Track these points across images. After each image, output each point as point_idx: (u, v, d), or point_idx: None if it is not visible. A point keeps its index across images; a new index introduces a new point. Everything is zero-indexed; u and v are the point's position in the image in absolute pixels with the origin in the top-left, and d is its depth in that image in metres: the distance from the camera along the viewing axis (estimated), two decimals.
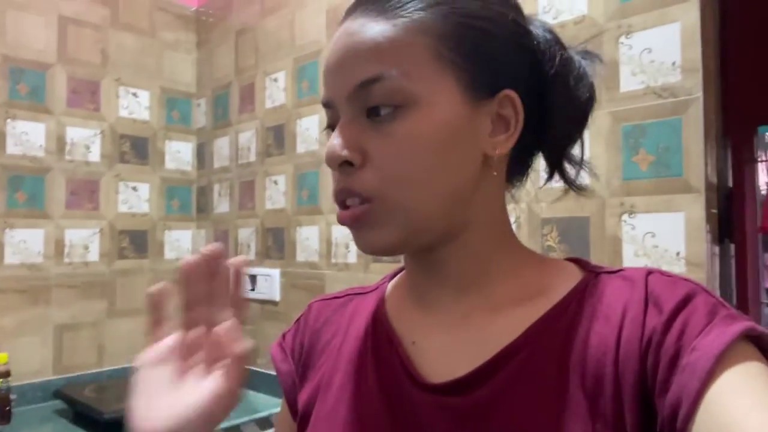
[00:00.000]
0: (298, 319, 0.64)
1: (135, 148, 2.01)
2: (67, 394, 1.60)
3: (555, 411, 0.43)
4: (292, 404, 0.60)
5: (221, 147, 2.06)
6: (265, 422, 1.61)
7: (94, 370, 1.86)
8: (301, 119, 1.74)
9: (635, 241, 1.04)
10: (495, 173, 0.48)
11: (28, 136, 1.75)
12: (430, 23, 0.45)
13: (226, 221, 2.02)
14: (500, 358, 0.45)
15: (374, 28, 0.45)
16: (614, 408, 0.41)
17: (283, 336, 0.64)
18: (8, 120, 1.71)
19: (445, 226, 0.47)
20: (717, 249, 1.01)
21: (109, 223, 1.93)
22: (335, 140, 0.45)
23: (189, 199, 2.16)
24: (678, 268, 0.99)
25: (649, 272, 0.46)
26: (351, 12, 0.48)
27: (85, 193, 1.87)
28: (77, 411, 1.54)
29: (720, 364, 0.38)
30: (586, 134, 1.11)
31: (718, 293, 1.01)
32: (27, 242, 1.74)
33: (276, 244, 1.82)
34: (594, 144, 1.09)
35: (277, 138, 1.83)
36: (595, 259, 1.08)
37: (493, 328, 0.47)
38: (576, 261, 0.52)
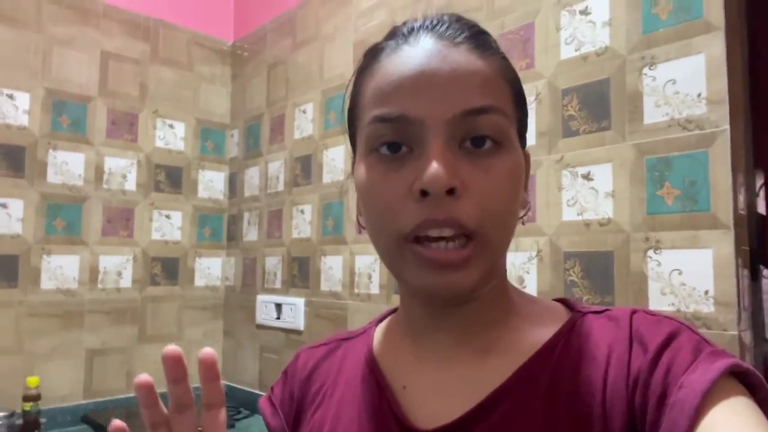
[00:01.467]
0: (285, 370, 0.64)
1: (170, 178, 2.07)
2: (94, 420, 1.63)
3: None
4: None
5: (252, 176, 2.10)
6: None
7: (122, 396, 1.89)
8: (328, 150, 1.76)
9: (661, 278, 1.00)
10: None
11: (68, 165, 1.83)
12: (504, 68, 0.47)
13: (255, 249, 2.05)
14: (489, 402, 0.46)
15: (476, 61, 0.45)
16: None
17: (272, 389, 0.64)
18: (50, 150, 1.79)
19: (493, 268, 0.48)
20: (747, 285, 0.96)
21: (143, 250, 1.98)
22: (439, 165, 0.42)
23: (220, 227, 2.20)
24: (706, 308, 0.94)
25: (634, 311, 0.47)
26: (430, 32, 0.46)
27: (120, 221, 1.94)
28: None
29: (707, 401, 0.38)
30: (610, 166, 1.05)
31: (750, 332, 0.95)
32: (63, 268, 1.80)
33: (301, 273, 1.83)
34: (618, 177, 1.06)
35: (305, 168, 1.85)
36: (620, 296, 1.05)
37: (483, 372, 0.48)
38: (563, 301, 0.53)
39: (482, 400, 0.46)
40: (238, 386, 2.04)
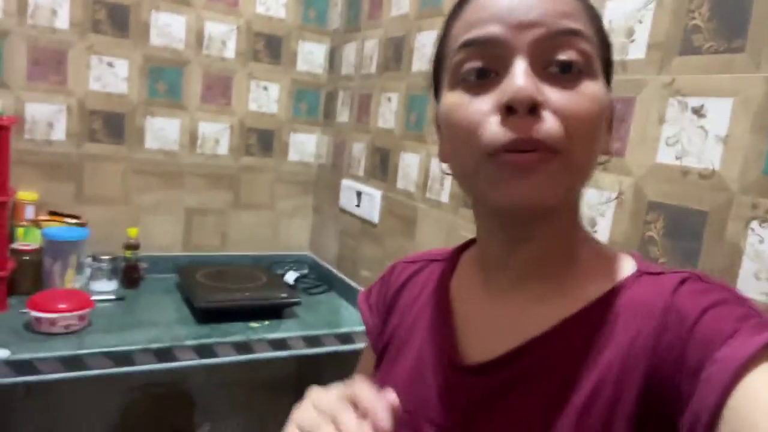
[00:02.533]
0: (382, 276, 0.69)
1: (269, 47, 2.02)
2: (183, 274, 1.80)
3: (551, 408, 0.44)
4: (376, 352, 0.65)
5: (350, 53, 1.98)
6: (346, 337, 1.66)
7: (216, 253, 2.05)
8: (421, 33, 1.57)
9: (760, 259, 0.77)
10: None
11: (170, 28, 1.84)
12: (595, 14, 0.48)
13: (344, 131, 1.99)
14: (522, 349, 0.48)
15: None
16: (603, 419, 0.43)
17: (370, 290, 0.70)
18: (152, 11, 1.80)
19: (577, 192, 0.49)
20: None
21: (239, 120, 2.01)
22: (523, 80, 0.43)
23: (317, 103, 2.15)
24: None
25: (684, 279, 0.45)
26: None
27: (218, 89, 1.96)
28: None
29: (741, 377, 0.36)
30: (730, 102, 0.83)
31: None
32: (165, 130, 1.90)
33: (382, 164, 1.75)
34: (737, 118, 0.80)
35: (397, 51, 1.68)
36: (704, 269, 0.84)
37: (531, 317, 0.49)
38: (634, 256, 0.51)
39: (516, 347, 0.48)
40: (321, 261, 2.11)
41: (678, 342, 0.41)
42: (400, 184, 1.64)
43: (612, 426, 0.42)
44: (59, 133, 1.75)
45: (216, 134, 1.98)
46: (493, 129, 0.44)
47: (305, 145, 2.16)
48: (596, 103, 0.45)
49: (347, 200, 1.92)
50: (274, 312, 1.66)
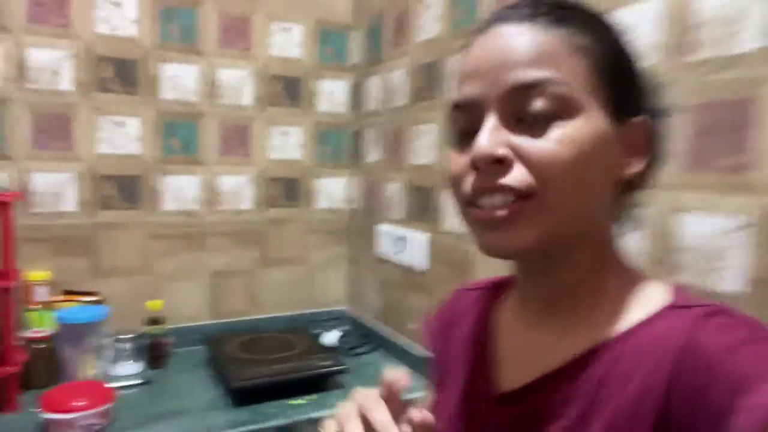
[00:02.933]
0: (444, 302, 0.69)
1: (287, 90, 1.87)
2: (213, 346, 1.61)
3: None
4: (432, 379, 0.66)
5: (373, 87, 1.82)
6: None
7: (246, 317, 1.86)
8: (455, 56, 1.40)
9: None
10: (618, 196, 0.49)
11: (181, 80, 1.71)
12: (588, 42, 0.47)
13: (376, 172, 1.82)
14: (540, 381, 0.48)
15: (535, 36, 0.46)
16: None
17: (433, 316, 0.70)
18: (160, 63, 1.68)
19: (569, 235, 0.48)
20: None
21: (261, 170, 1.86)
22: (485, 138, 0.46)
23: (342, 145, 1.99)
24: None
25: (711, 313, 0.42)
26: (503, 18, 0.49)
27: (237, 139, 1.81)
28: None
29: None
30: None
31: None
32: (183, 189, 1.74)
33: (423, 205, 1.56)
34: None
35: (429, 78, 1.52)
36: None
37: (557, 349, 0.49)
38: (677, 286, 0.49)
39: (535, 379, 0.48)
40: (362, 317, 1.91)
41: (699, 384, 0.39)
42: (448, 225, 1.45)
43: None
44: (69, 204, 1.60)
45: (237, 188, 1.83)
46: (467, 182, 0.48)
47: (334, 191, 1.99)
48: (570, 144, 0.44)
49: (386, 247, 1.73)
50: (319, 383, 1.45)
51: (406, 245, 1.63)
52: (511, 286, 0.61)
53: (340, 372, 1.47)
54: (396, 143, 1.69)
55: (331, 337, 1.77)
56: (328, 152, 1.97)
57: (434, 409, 0.59)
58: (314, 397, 1.41)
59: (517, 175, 0.45)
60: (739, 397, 0.36)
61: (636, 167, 0.49)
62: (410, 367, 1.63)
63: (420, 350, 1.60)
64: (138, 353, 1.56)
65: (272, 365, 1.45)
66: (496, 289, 0.63)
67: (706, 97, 0.82)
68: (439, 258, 1.49)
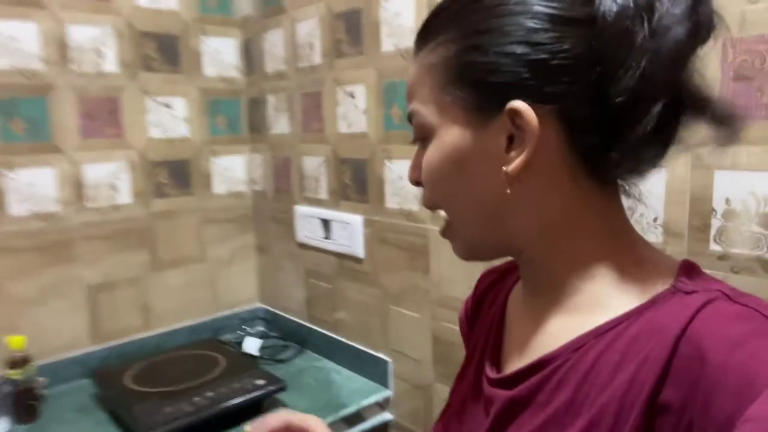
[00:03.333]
0: (475, 286, 0.66)
1: (162, 51, 1.51)
2: (102, 381, 1.27)
3: (557, 425, 0.43)
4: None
5: (274, 43, 1.52)
6: (354, 418, 1.25)
7: (139, 335, 1.52)
8: (387, 0, 1.17)
9: None
10: (545, 185, 0.45)
11: (19, 42, 1.28)
12: (437, 59, 0.46)
13: (287, 146, 1.54)
14: (537, 363, 0.46)
15: (411, 67, 0.49)
16: None
17: (466, 301, 0.67)
18: None
19: (497, 238, 0.48)
20: None
21: (139, 153, 1.49)
22: (411, 164, 0.51)
23: (238, 116, 1.67)
24: None
25: (709, 300, 0.38)
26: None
27: (102, 116, 1.42)
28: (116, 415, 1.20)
29: None
30: None
31: None
32: (35, 185, 1.33)
33: (356, 182, 1.33)
34: None
35: (352, 29, 1.27)
36: None
37: (557, 332, 0.47)
38: (687, 267, 0.43)
39: (532, 361, 0.47)
40: (283, 314, 1.65)
41: (700, 384, 0.35)
42: (392, 202, 1.24)
43: None
44: None
45: (110, 178, 1.45)
46: None
47: (233, 171, 1.68)
48: (427, 168, 0.48)
49: (308, 232, 1.48)
50: (254, 409, 1.19)
51: (334, 229, 1.39)
52: None
53: (278, 391, 1.22)
54: (312, 110, 1.42)
55: (251, 346, 1.50)
56: (221, 125, 1.64)
57: (452, 391, 0.61)
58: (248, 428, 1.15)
59: (424, 194, 0.50)
60: (744, 403, 0.32)
61: (518, 159, 0.42)
62: (343, 363, 1.43)
63: (353, 344, 1.39)
64: (0, 407, 1.17)
65: (191, 397, 1.16)
66: (514, 271, 0.60)
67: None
68: (382, 242, 1.28)
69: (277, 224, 1.62)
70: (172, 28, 1.52)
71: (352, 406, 1.25)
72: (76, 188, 1.39)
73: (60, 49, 1.34)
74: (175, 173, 1.55)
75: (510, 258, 0.53)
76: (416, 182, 0.50)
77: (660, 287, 0.42)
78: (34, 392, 1.23)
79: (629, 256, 0.46)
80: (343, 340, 1.43)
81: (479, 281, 0.66)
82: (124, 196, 1.47)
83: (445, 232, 0.51)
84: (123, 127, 1.45)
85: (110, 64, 1.42)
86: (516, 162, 0.42)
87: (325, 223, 1.42)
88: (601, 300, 0.45)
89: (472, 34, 0.43)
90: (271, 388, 1.21)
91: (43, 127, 1.33)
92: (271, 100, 1.56)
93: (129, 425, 1.11)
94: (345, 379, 1.38)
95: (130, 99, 1.46)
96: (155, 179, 1.52)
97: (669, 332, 0.38)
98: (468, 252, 0.51)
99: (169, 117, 1.53)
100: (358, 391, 1.31)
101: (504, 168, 0.43)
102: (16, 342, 1.20)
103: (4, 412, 1.18)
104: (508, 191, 0.44)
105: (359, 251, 1.33)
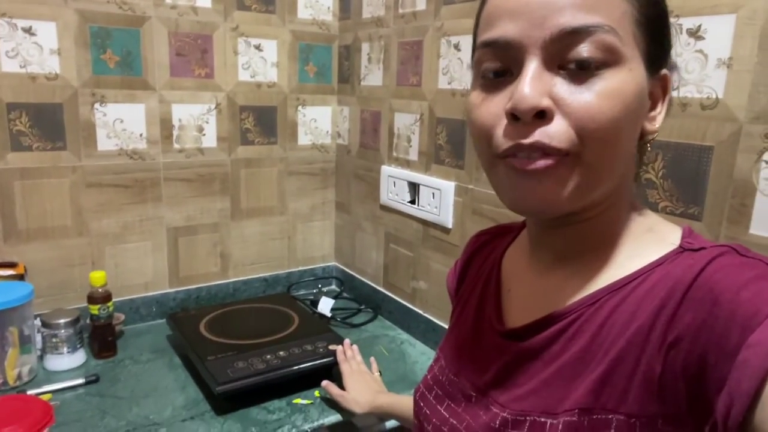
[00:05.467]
0: (465, 248, 0.70)
1: None
2: (178, 324, 1.26)
3: (573, 374, 0.45)
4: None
5: None
6: None
7: (215, 282, 1.50)
8: None
9: None
10: (647, 149, 0.49)
11: None
12: None
13: (379, 99, 1.44)
14: (551, 316, 0.48)
15: None
16: (622, 388, 0.42)
17: (456, 263, 0.71)
18: None
19: (606, 187, 0.46)
20: None
21: (228, 97, 1.44)
22: (528, 87, 0.41)
23: (329, 63, 1.58)
24: None
25: (720, 254, 0.42)
26: None
27: (193, 54, 1.37)
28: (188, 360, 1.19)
29: None
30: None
31: None
32: (124, 122, 1.31)
33: (452, 144, 1.21)
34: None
35: None
36: (712, 211, 0.74)
37: (568, 290, 0.49)
38: (689, 231, 0.48)
39: (547, 314, 0.49)
40: (359, 276, 1.59)
41: (711, 320, 0.38)
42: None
43: (628, 395, 0.42)
44: None
45: (197, 119, 1.40)
46: (499, 134, 0.44)
47: (319, 122, 1.60)
48: (617, 97, 0.42)
49: (393, 195, 1.39)
50: (324, 373, 1.14)
51: (422, 194, 1.29)
52: (520, 231, 0.62)
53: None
54: (410, 61, 1.30)
55: (325, 306, 1.44)
56: (311, 72, 1.56)
57: (443, 344, 0.63)
58: (317, 393, 1.10)
59: (559, 131, 0.42)
60: (747, 333, 0.36)
61: (658, 121, 0.47)
62: (418, 336, 1.35)
63: (430, 317, 1.31)
64: (78, 340, 1.18)
65: (263, 354, 1.12)
66: (508, 233, 0.64)
67: None
68: (475, 214, 1.17)
69: (360, 182, 1.54)
70: None
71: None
72: (164, 127, 1.36)
73: None
74: (261, 120, 1.49)
75: (499, 223, 0.63)
76: (542, 112, 0.42)
77: (668, 248, 0.46)
78: (112, 328, 1.24)
79: (640, 220, 0.50)
80: (420, 311, 1.35)
81: (469, 243, 0.70)
82: (210, 139, 1.43)
83: (554, 168, 0.42)
84: (213, 68, 1.40)
85: (202, 0, 1.35)
86: (658, 121, 0.47)
87: (413, 187, 1.33)
88: (618, 261, 0.48)
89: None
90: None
91: (135, 61, 1.29)
92: (366, 48, 1.46)
93: (201, 374, 1.08)
94: (419, 353, 1.30)
95: (221, 38, 1.39)
96: (241, 125, 1.47)
97: (683, 280, 0.41)
98: (569, 200, 0.44)
99: (259, 60, 1.46)
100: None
101: (649, 125, 0.47)
102: (97, 277, 1.20)
103: (82, 345, 1.20)
104: (636, 141, 0.46)
105: (448, 220, 1.23)
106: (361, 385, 1.02)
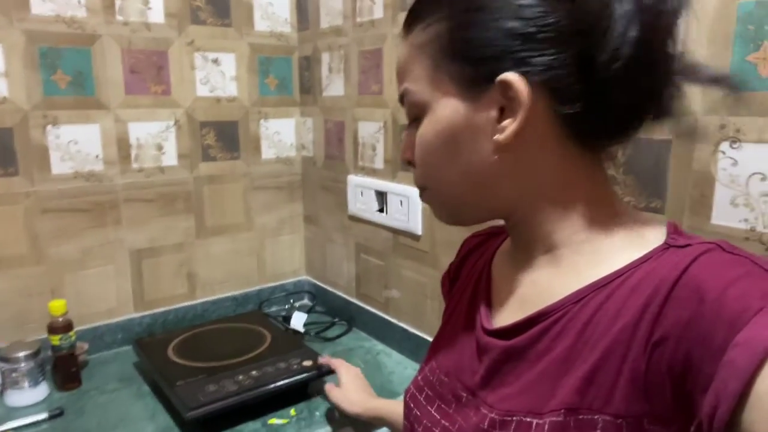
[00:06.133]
0: (458, 250, 0.71)
1: (211, 2, 1.40)
2: (145, 351, 1.21)
3: (558, 372, 0.45)
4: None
5: None
6: None
7: (184, 304, 1.46)
8: None
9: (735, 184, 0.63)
10: (532, 153, 0.48)
11: None
12: (429, 37, 0.48)
13: (342, 109, 1.42)
14: (537, 315, 0.49)
15: (401, 48, 0.52)
16: (608, 386, 0.42)
17: (450, 266, 0.72)
18: None
19: (485, 205, 0.51)
20: None
21: (186, 112, 1.40)
22: (402, 144, 0.55)
23: (289, 75, 1.56)
24: None
25: (706, 251, 0.41)
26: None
27: (149, 71, 1.33)
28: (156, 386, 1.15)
29: (765, 362, 0.34)
30: None
31: None
32: (78, 143, 1.27)
33: None
34: None
35: None
36: (674, 203, 0.75)
37: (554, 288, 0.49)
38: (674, 227, 0.48)
39: (533, 313, 0.49)
40: (331, 289, 1.57)
41: (697, 318, 0.38)
42: None
43: (614, 395, 0.42)
44: None
45: (156, 137, 1.37)
46: None
47: (282, 135, 1.58)
48: (421, 143, 0.51)
49: (362, 204, 1.38)
50: (299, 391, 1.11)
51: (390, 202, 1.28)
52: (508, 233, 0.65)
53: (327, 373, 1.14)
54: (371, 69, 1.30)
55: (298, 321, 1.42)
56: (271, 86, 1.54)
57: (434, 344, 0.63)
58: (293, 411, 1.07)
59: (416, 174, 0.54)
60: (734, 332, 0.36)
61: (509, 130, 0.46)
62: (394, 346, 1.34)
63: (405, 326, 1.30)
64: (40, 373, 1.13)
65: (235, 376, 1.08)
66: (500, 234, 0.65)
67: None
68: None
69: (327, 194, 1.52)
70: None
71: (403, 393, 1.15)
72: (121, 147, 1.32)
73: None
74: (222, 135, 1.47)
75: (493, 223, 0.59)
76: (410, 162, 0.53)
77: (653, 245, 0.46)
78: (75, 358, 1.19)
79: (622, 217, 0.49)
80: (395, 321, 1.33)
81: (462, 245, 0.71)
82: (170, 157, 1.39)
83: (425, 197, 0.54)
84: (170, 84, 1.37)
85: (157, 14, 1.32)
86: (508, 131, 0.46)
87: (381, 195, 1.31)
88: (601, 258, 0.47)
89: (465, 11, 0.46)
90: (319, 370, 1.13)
91: (87, 80, 1.26)
92: (326, 58, 1.45)
93: (171, 401, 1.04)
94: (395, 363, 1.29)
95: (177, 53, 1.36)
96: (202, 141, 1.44)
97: (668, 277, 0.41)
98: (451, 217, 0.54)
99: (217, 74, 1.43)
100: (409, 377, 1.22)
101: (496, 137, 0.46)
102: (57, 306, 1.15)
103: (44, 378, 1.14)
104: (496, 158, 0.47)
105: (417, 227, 1.22)
106: (357, 385, 0.99)
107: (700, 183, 0.73)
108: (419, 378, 0.61)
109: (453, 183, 0.50)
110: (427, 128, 0.49)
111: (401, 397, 0.84)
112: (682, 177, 0.74)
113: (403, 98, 0.51)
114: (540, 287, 0.51)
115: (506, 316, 0.53)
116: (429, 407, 0.57)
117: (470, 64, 0.46)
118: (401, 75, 0.51)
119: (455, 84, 0.47)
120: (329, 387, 1.00)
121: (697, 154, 0.72)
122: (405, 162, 0.54)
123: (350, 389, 0.98)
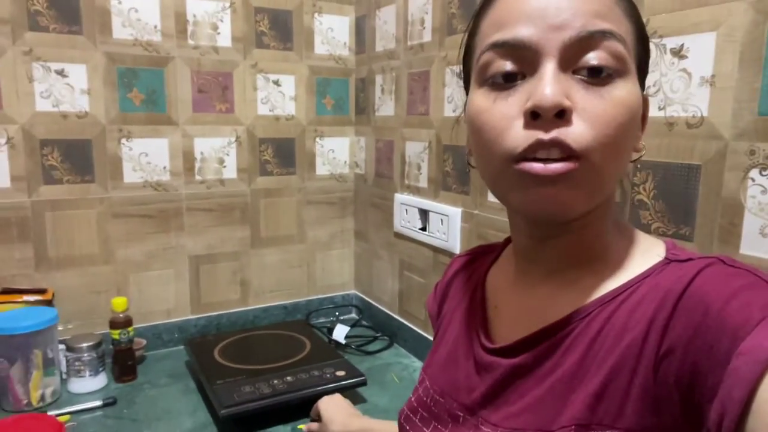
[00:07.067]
0: (445, 271, 0.71)
1: (275, 26, 1.50)
2: (195, 350, 1.29)
3: (566, 390, 0.45)
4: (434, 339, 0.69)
5: (386, 20, 1.45)
6: None
7: (235, 309, 1.54)
8: None
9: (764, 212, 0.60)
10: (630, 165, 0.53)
11: (139, 14, 1.33)
12: (632, 8, 0.47)
13: (391, 129, 1.46)
14: (542, 332, 0.48)
15: None
16: (618, 402, 0.42)
17: (436, 286, 0.71)
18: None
19: (609, 193, 0.49)
20: None
21: (247, 130, 1.50)
22: (550, 86, 0.41)
23: (346, 96, 1.63)
24: None
25: (710, 264, 0.42)
26: None
27: (215, 91, 1.44)
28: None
29: None
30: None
31: None
32: (149, 155, 1.39)
33: (458, 171, 1.22)
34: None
35: (466, 3, 1.16)
36: (702, 230, 0.72)
37: (557, 305, 0.49)
38: (673, 244, 0.49)
39: (537, 330, 0.48)
40: (376, 304, 1.60)
41: (702, 329, 0.38)
42: (493, 196, 1.11)
43: (625, 409, 0.41)
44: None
45: (218, 152, 1.47)
46: (516, 134, 0.43)
47: (336, 153, 1.64)
48: (626, 106, 0.43)
49: (405, 222, 1.40)
50: None
51: (432, 221, 1.30)
52: (502, 250, 0.63)
53: (358, 385, 1.16)
54: (418, 91, 1.33)
55: (340, 333, 1.45)
56: (328, 105, 1.61)
57: (426, 364, 0.62)
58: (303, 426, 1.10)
59: (576, 132, 0.42)
60: (737, 342, 0.36)
61: (642, 139, 0.49)
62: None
63: None
64: (100, 363, 1.23)
65: (271, 380, 1.13)
66: (490, 252, 0.65)
67: None
68: (480, 238, 1.16)
69: (376, 210, 1.56)
70: (287, 4, 1.50)
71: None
72: (186, 160, 1.43)
73: (178, 22, 1.37)
74: (279, 151, 1.55)
75: (479, 244, 0.63)
76: (562, 112, 0.41)
77: (654, 260, 0.47)
78: (132, 353, 1.29)
79: (625, 233, 0.51)
80: (424, 336, 1.34)
81: (449, 266, 0.71)
82: (230, 171, 1.49)
83: (571, 172, 0.42)
84: (233, 103, 1.47)
85: (224, 39, 1.43)
86: (641, 141, 0.49)
87: (424, 214, 1.33)
88: (607, 273, 0.48)
89: (640, 16, 0.48)
90: (351, 381, 1.15)
91: (159, 98, 1.38)
92: (379, 80, 1.50)
93: (209, 398, 1.11)
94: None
95: (241, 75, 1.46)
96: (260, 156, 1.52)
97: (674, 290, 0.41)
98: (585, 204, 0.45)
99: (277, 94, 1.52)
100: None
101: (637, 143, 0.49)
102: (119, 303, 1.26)
103: (104, 369, 1.25)
104: (633, 150, 0.48)
105: (455, 246, 1.23)
106: (334, 407, 0.93)
107: (729, 211, 0.70)
108: (413, 399, 0.61)
109: (619, 166, 0.46)
110: (634, 96, 0.44)
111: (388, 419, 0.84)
112: (711, 204, 0.71)
113: (593, 35, 0.42)
114: (544, 303, 0.51)
115: (508, 333, 0.52)
116: (425, 429, 0.56)
117: (645, 65, 0.48)
118: (605, 13, 0.43)
119: (635, 66, 0.46)
120: (308, 426, 0.96)
121: (727, 180, 0.69)
122: (557, 110, 0.41)
123: (328, 411, 0.92)
